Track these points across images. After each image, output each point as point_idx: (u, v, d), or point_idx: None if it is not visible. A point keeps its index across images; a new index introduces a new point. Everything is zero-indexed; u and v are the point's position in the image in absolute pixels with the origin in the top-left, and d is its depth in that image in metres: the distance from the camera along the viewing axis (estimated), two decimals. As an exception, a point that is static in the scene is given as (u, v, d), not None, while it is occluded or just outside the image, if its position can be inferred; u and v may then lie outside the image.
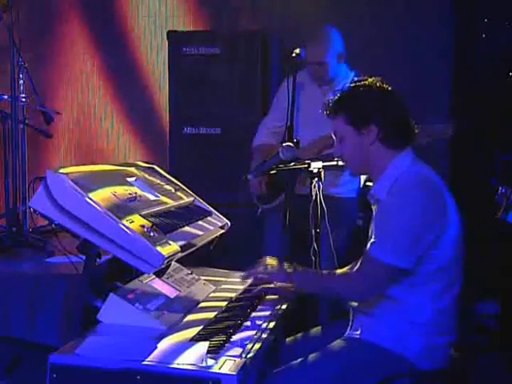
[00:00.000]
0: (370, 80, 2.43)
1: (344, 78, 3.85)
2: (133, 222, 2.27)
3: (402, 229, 2.24)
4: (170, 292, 2.51)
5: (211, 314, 2.44)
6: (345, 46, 3.86)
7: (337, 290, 2.41)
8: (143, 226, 2.28)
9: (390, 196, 2.30)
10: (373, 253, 2.28)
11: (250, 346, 2.10)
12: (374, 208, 2.45)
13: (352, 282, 2.36)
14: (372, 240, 2.32)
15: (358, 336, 2.37)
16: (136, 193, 2.58)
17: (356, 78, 2.50)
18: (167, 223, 2.48)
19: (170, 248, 2.29)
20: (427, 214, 2.24)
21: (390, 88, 2.43)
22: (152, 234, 2.27)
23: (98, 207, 2.21)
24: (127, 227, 2.21)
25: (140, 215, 2.38)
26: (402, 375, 2.28)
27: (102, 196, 2.30)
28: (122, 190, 2.49)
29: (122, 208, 2.34)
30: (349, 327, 2.45)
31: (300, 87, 3.82)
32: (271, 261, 2.66)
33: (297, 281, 2.50)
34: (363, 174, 2.62)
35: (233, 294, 2.72)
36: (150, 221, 2.36)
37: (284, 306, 2.58)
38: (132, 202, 2.45)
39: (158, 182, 2.93)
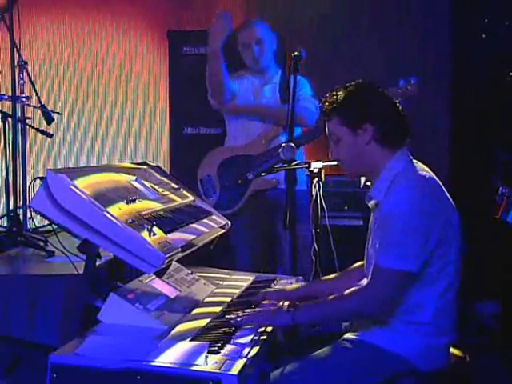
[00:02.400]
0: (361, 81, 2.44)
1: (274, 72, 4.11)
2: (133, 221, 2.27)
3: (405, 232, 2.21)
4: (171, 292, 2.51)
5: (211, 314, 2.44)
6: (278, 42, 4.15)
7: (352, 310, 2.31)
8: (144, 226, 2.28)
9: (388, 199, 2.28)
10: (380, 262, 2.23)
11: (250, 347, 2.10)
12: (372, 210, 2.45)
13: (367, 297, 2.26)
14: (376, 248, 2.28)
15: (358, 337, 2.36)
16: (137, 193, 2.58)
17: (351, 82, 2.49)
18: (168, 223, 2.48)
19: (170, 248, 2.29)
20: (427, 214, 2.22)
21: (380, 88, 2.43)
22: (152, 233, 2.27)
23: (97, 207, 2.21)
24: (128, 227, 2.21)
25: (140, 215, 2.38)
26: (402, 375, 2.28)
27: (102, 196, 2.30)
28: (122, 190, 2.49)
29: (123, 208, 2.34)
30: (349, 328, 2.45)
31: (242, 84, 4.09)
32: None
33: (302, 318, 2.36)
34: (360, 176, 2.58)
35: (233, 295, 2.72)
36: (150, 221, 2.36)
37: (285, 306, 2.58)
38: (133, 202, 2.45)
39: (159, 182, 2.93)
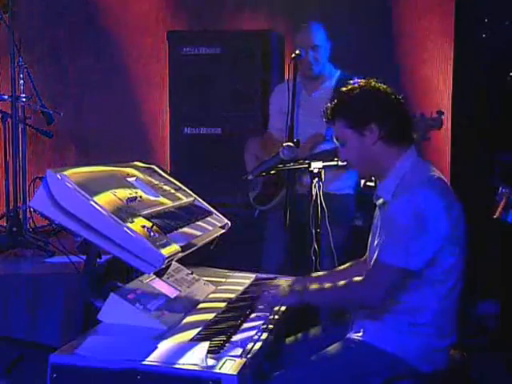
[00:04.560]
0: (363, 81, 2.43)
1: (329, 75, 3.85)
2: (133, 222, 2.27)
3: (408, 232, 2.21)
4: (171, 292, 2.51)
5: (211, 314, 2.43)
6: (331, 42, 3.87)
7: (353, 299, 2.38)
8: (144, 227, 2.28)
9: (395, 198, 2.29)
10: (383, 258, 2.25)
11: (250, 346, 2.11)
12: (378, 208, 2.44)
13: (365, 289, 2.31)
14: (380, 244, 2.30)
15: (359, 338, 2.37)
16: (136, 193, 2.58)
17: (351, 81, 2.48)
18: (167, 223, 2.48)
19: (170, 248, 2.29)
20: (431, 215, 2.22)
21: (384, 86, 2.43)
22: (152, 234, 2.27)
23: (98, 207, 2.21)
24: (128, 227, 2.21)
25: (140, 215, 2.38)
26: (402, 376, 2.28)
27: (102, 196, 2.30)
28: (122, 190, 2.49)
29: (123, 208, 2.34)
30: (350, 329, 2.45)
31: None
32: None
33: (310, 299, 2.47)
34: (372, 176, 2.56)
35: (233, 294, 2.72)
36: (150, 221, 2.36)
37: (284, 307, 2.58)
38: (132, 202, 2.45)
39: (159, 182, 2.93)
